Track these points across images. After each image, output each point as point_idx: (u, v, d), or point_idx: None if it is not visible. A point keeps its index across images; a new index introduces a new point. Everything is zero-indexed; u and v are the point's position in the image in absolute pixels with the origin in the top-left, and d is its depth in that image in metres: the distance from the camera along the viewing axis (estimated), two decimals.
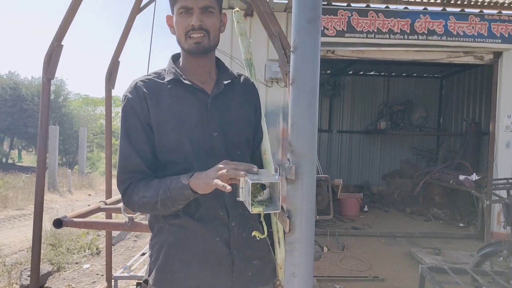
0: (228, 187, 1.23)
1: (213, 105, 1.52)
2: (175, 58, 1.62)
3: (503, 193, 4.60)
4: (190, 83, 1.51)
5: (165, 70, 1.57)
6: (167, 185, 1.39)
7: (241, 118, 1.58)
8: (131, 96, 1.49)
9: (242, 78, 1.68)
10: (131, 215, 2.46)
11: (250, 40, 2.01)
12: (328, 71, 10.53)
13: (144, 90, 1.49)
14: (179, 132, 1.47)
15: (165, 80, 1.52)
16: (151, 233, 1.60)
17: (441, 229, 7.36)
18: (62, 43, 2.77)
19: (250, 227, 1.53)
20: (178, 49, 1.60)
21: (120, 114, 1.54)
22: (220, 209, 1.49)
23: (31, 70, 76.00)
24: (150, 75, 1.56)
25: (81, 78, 71.29)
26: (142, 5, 3.60)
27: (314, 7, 1.10)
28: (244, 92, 1.64)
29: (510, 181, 4.61)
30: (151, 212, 1.51)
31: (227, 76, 1.61)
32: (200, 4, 1.47)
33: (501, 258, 3.89)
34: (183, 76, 1.52)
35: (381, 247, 6.33)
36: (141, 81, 1.53)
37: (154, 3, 3.24)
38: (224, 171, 1.26)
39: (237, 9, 2.00)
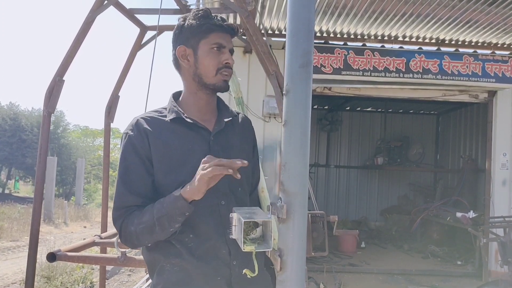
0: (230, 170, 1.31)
1: (215, 142, 1.55)
2: (175, 96, 1.64)
3: (500, 231, 4.57)
4: (192, 121, 1.53)
5: (165, 108, 1.59)
6: (161, 203, 1.40)
7: (242, 155, 1.58)
8: (132, 133, 1.51)
9: (240, 116, 1.72)
10: (124, 250, 2.45)
11: (239, 79, 2.05)
12: (326, 107, 10.63)
13: (146, 126, 1.51)
14: (181, 168, 1.47)
15: (167, 118, 1.53)
16: (144, 269, 1.60)
17: (439, 266, 7.27)
18: (63, 78, 2.84)
19: (253, 266, 1.50)
20: (177, 85, 1.64)
21: (118, 146, 1.56)
22: (223, 247, 1.48)
23: (31, 101, 76.45)
24: (150, 113, 1.58)
25: (81, 110, 71.67)
26: (143, 42, 3.70)
27: (306, 53, 1.15)
28: (243, 130, 1.68)
29: (506, 219, 4.60)
30: (150, 239, 1.45)
31: (227, 113, 1.64)
32: (230, 45, 1.58)
33: None
34: (185, 114, 1.54)
35: (378, 285, 6.24)
36: (142, 118, 1.54)
37: (154, 40, 3.32)
38: (209, 170, 1.30)
39: None
